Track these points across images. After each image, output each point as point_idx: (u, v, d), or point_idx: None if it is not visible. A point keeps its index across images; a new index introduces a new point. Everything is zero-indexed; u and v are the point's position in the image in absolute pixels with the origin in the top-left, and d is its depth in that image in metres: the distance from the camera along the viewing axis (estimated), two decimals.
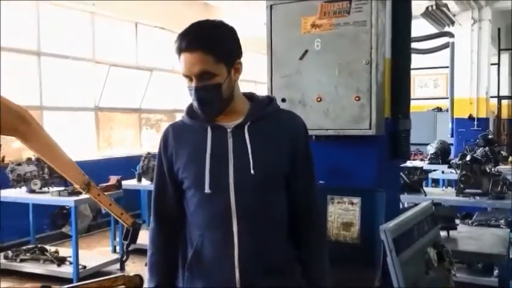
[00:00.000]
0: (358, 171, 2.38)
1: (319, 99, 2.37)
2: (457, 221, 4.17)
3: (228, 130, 1.58)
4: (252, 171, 1.53)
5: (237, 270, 1.53)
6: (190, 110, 1.64)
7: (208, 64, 1.50)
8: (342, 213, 2.40)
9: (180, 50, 1.53)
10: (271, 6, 2.47)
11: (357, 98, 2.29)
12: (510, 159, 7.69)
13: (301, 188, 1.65)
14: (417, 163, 7.07)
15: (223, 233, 1.55)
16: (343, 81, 2.32)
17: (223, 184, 1.55)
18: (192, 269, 1.62)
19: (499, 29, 10.45)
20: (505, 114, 12.76)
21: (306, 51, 2.38)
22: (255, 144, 1.56)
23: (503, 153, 7.85)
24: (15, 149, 6.45)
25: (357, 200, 2.38)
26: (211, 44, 1.51)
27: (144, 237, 4.99)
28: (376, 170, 2.39)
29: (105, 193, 4.27)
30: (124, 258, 4.38)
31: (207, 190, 1.55)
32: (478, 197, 4.44)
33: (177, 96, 9.66)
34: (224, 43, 1.54)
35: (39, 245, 5.46)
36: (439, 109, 12.09)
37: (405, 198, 4.52)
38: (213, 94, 1.53)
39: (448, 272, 2.49)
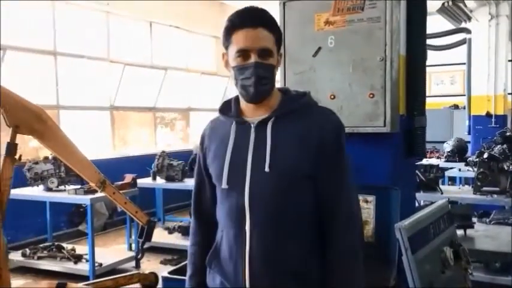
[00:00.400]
0: (372, 168, 2.35)
1: (332, 97, 2.36)
2: (474, 220, 4.12)
3: (252, 125, 1.56)
4: (267, 169, 1.49)
5: (247, 269, 1.51)
6: (223, 106, 1.66)
7: (269, 42, 1.51)
8: None
9: (239, 26, 1.51)
10: (284, 3, 2.46)
11: (371, 95, 2.27)
12: None
13: (330, 189, 1.55)
14: (433, 161, 7.01)
15: (236, 231, 1.54)
16: (357, 78, 2.30)
17: (240, 180, 1.53)
18: (211, 264, 1.64)
19: None
20: None
21: (320, 48, 2.37)
22: (276, 141, 1.52)
23: None
24: (32, 148, 6.54)
25: (371, 198, 2.36)
26: (272, 24, 1.54)
27: (159, 236, 5.00)
28: (391, 167, 2.37)
29: (121, 191, 4.33)
30: (139, 256, 4.44)
31: (224, 186, 1.55)
32: (495, 195, 4.37)
33: (191, 95, 9.71)
34: (279, 27, 1.57)
35: (56, 243, 5.53)
36: (456, 106, 11.94)
37: (421, 196, 4.48)
38: (268, 73, 1.52)
39: (465, 271, 2.46)
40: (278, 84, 2.53)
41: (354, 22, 2.30)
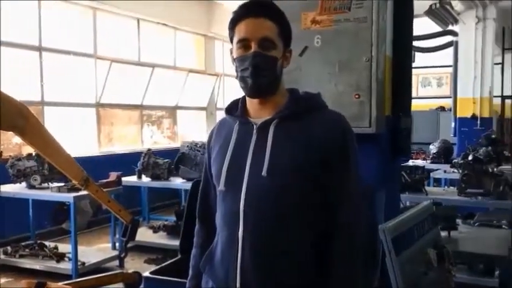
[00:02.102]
0: None
1: None
2: (459, 221, 4.14)
3: (254, 127, 1.50)
4: (264, 173, 1.43)
5: (238, 276, 1.45)
6: (230, 105, 1.60)
7: (272, 33, 1.46)
8: None
9: (243, 16, 1.47)
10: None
11: (357, 96, 2.26)
12: None
13: (331, 203, 1.46)
14: (419, 162, 7.04)
15: (230, 235, 1.48)
16: (343, 79, 2.28)
17: (237, 183, 1.47)
18: (205, 267, 1.60)
19: (503, 28, 10.37)
20: (508, 114, 12.68)
21: (306, 47, 2.35)
22: (276, 145, 1.45)
23: (506, 153, 7.79)
24: (15, 145, 6.45)
25: None
26: (277, 16, 1.49)
27: (143, 235, 4.95)
28: (376, 168, 2.36)
29: (105, 189, 4.28)
30: (123, 255, 4.39)
31: (221, 187, 1.50)
32: (479, 197, 4.40)
33: (178, 93, 9.65)
34: (286, 20, 1.53)
35: (38, 241, 5.44)
36: (442, 108, 12.04)
37: (406, 198, 4.49)
38: (269, 65, 1.46)
39: (448, 273, 2.46)
40: None
41: (341, 22, 2.28)
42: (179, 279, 2.33)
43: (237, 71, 1.49)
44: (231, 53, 1.53)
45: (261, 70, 1.45)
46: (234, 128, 1.54)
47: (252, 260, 1.44)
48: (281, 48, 1.50)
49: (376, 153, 2.37)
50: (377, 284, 2.29)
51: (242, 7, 1.48)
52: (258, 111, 1.52)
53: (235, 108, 1.57)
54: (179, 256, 2.56)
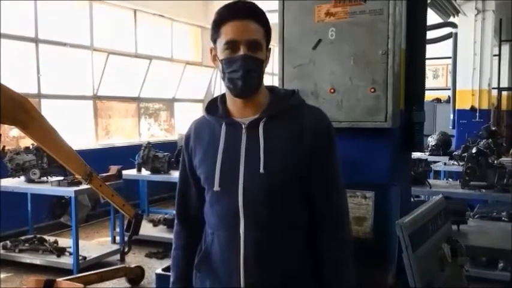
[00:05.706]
0: (372, 164, 2.30)
1: (332, 91, 2.29)
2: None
3: (243, 126, 1.52)
4: (262, 170, 1.46)
5: (242, 272, 1.48)
6: (209, 106, 1.60)
7: (259, 35, 1.48)
8: (355, 208, 2.34)
9: (228, 18, 1.46)
10: None
11: (372, 90, 2.21)
12: (511, 151, 7.67)
13: (321, 193, 1.56)
14: (418, 154, 7.03)
15: (230, 233, 1.51)
16: (358, 72, 2.23)
17: (232, 182, 1.50)
18: (201, 267, 1.61)
19: (500, 20, 10.36)
20: (504, 106, 12.73)
21: (320, 40, 2.30)
22: (269, 142, 1.49)
23: (504, 144, 7.83)
24: (12, 138, 6.36)
25: (370, 194, 2.31)
26: (262, 18, 1.50)
27: (143, 228, 4.93)
28: (391, 163, 2.32)
29: (106, 183, 4.21)
30: (126, 250, 4.35)
31: (216, 188, 1.51)
32: (483, 190, 4.39)
33: (176, 85, 9.56)
34: (269, 22, 1.53)
35: (38, 235, 5.39)
36: (439, 100, 12.05)
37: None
38: (258, 67, 1.48)
39: (461, 268, 2.45)
40: (275, 77, 2.47)
41: (356, 14, 2.23)
42: None
43: (223, 72, 1.50)
44: (211, 51, 1.54)
45: (251, 72, 1.46)
46: (222, 129, 1.54)
47: (256, 254, 1.48)
48: (264, 49, 1.51)
49: (390, 148, 2.34)
50: (392, 281, 2.27)
51: (227, 8, 1.48)
52: (241, 111, 1.54)
53: (215, 109, 1.58)
54: None
